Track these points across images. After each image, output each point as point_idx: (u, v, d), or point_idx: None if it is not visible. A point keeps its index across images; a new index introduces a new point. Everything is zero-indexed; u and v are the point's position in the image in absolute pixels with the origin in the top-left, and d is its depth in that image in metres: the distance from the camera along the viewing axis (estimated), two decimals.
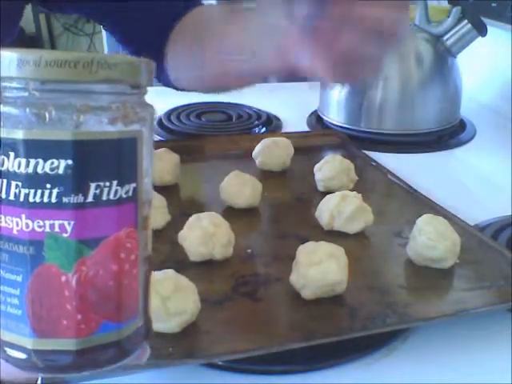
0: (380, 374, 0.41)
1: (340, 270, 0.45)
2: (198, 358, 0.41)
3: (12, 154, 0.23)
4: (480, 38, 0.82)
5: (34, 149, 0.23)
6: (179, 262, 0.51)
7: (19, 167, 0.23)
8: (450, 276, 0.50)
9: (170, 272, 0.43)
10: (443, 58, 0.84)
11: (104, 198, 0.24)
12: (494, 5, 0.96)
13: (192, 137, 0.83)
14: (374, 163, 0.74)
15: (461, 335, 0.44)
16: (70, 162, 0.23)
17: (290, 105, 1.00)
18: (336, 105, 0.87)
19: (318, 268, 0.45)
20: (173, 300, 0.41)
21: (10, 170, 0.23)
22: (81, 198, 0.23)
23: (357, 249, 0.54)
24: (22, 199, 0.23)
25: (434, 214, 0.53)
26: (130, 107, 0.25)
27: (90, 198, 0.24)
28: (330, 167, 0.65)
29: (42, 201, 0.23)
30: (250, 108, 0.96)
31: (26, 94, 0.23)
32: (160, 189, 0.61)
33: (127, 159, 0.25)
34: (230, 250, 0.52)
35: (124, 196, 0.24)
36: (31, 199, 0.23)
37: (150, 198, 0.27)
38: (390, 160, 0.75)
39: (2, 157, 0.23)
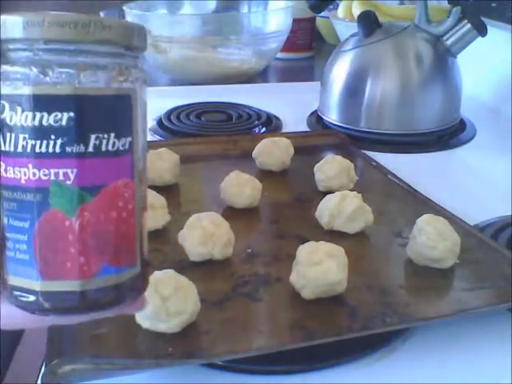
0: (380, 374, 0.41)
1: (340, 270, 0.45)
2: (197, 358, 0.41)
3: (19, 109, 0.25)
4: (480, 38, 0.82)
5: (40, 103, 0.25)
6: (179, 261, 0.51)
7: (26, 120, 0.25)
8: (450, 276, 0.50)
9: (170, 272, 0.43)
10: (443, 58, 0.83)
11: (103, 148, 0.26)
12: (493, 5, 0.96)
13: (192, 137, 0.83)
14: (374, 163, 0.74)
15: (461, 335, 0.44)
16: (71, 114, 0.25)
17: (290, 105, 1.00)
18: (336, 105, 0.87)
19: (318, 268, 0.45)
20: (173, 300, 0.41)
21: (18, 123, 0.25)
22: (82, 148, 0.26)
23: (357, 249, 0.54)
24: (29, 150, 0.25)
25: (434, 214, 0.53)
26: (125, 68, 0.27)
27: (90, 148, 0.26)
28: (329, 167, 0.65)
29: (48, 151, 0.25)
30: (250, 108, 0.96)
31: (32, 53, 0.25)
32: (160, 189, 0.61)
33: (123, 114, 0.27)
34: (230, 249, 0.52)
35: (121, 148, 0.27)
36: (37, 149, 0.25)
37: (144, 156, 0.29)
38: (390, 160, 0.75)
39: (11, 112, 0.25)
